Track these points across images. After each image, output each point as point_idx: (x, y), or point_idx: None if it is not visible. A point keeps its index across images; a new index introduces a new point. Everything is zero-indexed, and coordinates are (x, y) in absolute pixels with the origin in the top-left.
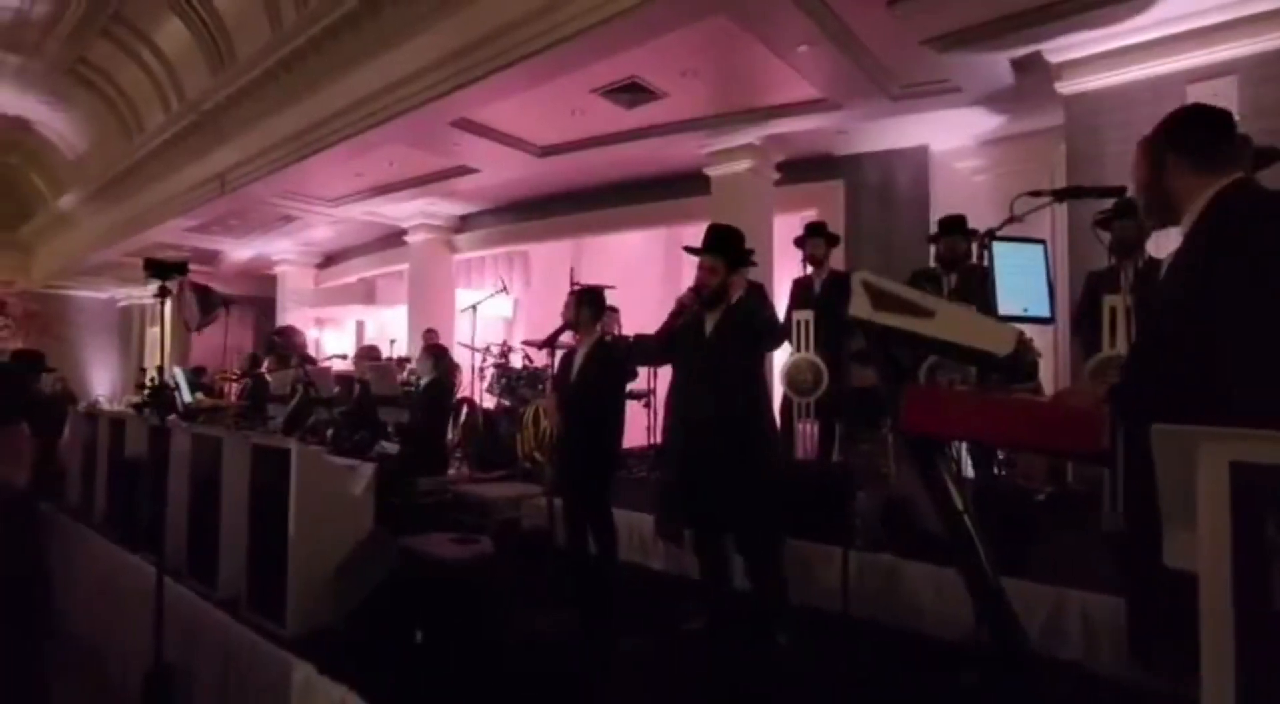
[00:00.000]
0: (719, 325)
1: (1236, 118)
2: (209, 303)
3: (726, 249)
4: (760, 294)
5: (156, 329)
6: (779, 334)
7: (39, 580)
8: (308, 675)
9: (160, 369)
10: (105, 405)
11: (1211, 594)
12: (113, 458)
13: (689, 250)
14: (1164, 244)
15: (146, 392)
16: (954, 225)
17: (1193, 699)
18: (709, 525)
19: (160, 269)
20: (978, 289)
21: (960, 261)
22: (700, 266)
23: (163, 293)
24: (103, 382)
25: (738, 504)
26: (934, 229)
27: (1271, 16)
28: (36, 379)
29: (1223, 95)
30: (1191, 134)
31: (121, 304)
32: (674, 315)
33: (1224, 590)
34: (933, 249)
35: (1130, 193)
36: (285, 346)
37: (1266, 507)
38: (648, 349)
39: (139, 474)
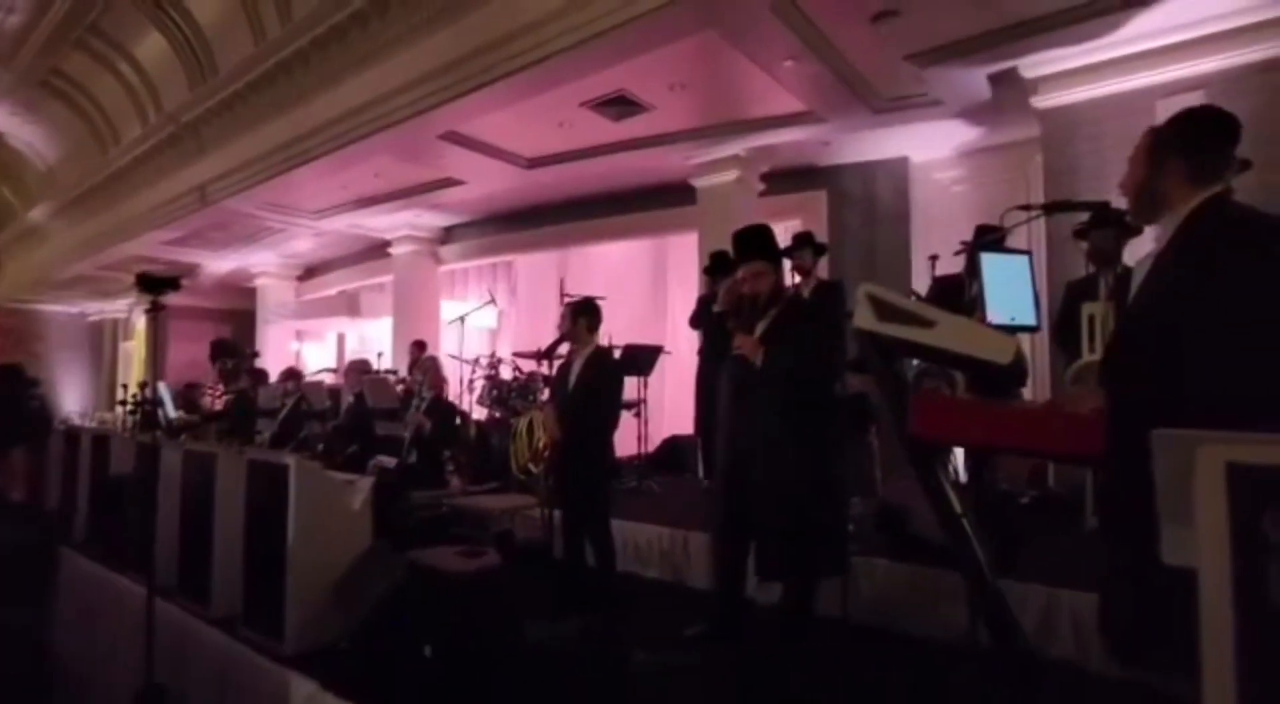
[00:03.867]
0: (768, 331)
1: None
2: None
3: (765, 248)
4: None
5: (129, 343)
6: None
7: (46, 602)
8: (310, 693)
9: (144, 385)
10: (79, 421)
11: (1211, 586)
12: (95, 476)
13: (731, 257)
14: (1140, 254)
15: (130, 408)
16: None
17: (1177, 693)
18: (741, 536)
19: (152, 284)
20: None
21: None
22: (744, 277)
23: (155, 308)
24: (73, 398)
25: (785, 535)
26: (915, 238)
27: (1236, 34)
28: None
29: None
30: (1195, 139)
31: (92, 318)
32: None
33: (1223, 582)
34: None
35: (1119, 183)
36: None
37: (1261, 503)
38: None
39: (125, 492)
